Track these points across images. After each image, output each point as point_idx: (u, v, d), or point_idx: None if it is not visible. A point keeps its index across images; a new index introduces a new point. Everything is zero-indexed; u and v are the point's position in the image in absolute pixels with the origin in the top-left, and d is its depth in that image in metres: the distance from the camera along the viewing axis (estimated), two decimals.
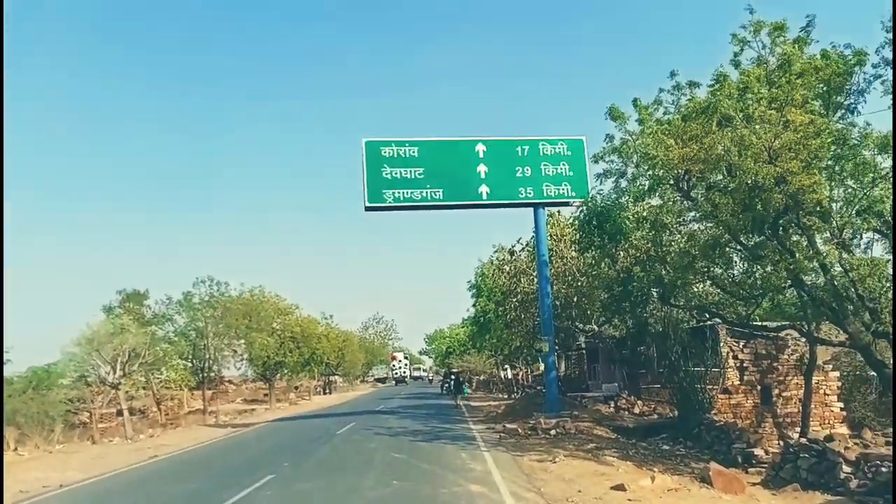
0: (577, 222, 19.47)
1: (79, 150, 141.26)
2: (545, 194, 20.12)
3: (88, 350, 29.14)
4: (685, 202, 14.58)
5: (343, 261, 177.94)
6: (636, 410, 21.16)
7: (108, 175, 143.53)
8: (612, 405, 22.98)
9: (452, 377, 50.31)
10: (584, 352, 30.54)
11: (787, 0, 16.24)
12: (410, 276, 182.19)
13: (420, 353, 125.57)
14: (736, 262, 17.29)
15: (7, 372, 25.31)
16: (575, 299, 23.40)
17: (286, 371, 49.32)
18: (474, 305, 38.73)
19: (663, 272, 18.88)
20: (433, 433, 18.45)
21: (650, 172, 13.86)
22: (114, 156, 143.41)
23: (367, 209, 19.52)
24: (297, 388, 60.66)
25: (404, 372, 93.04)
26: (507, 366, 47.54)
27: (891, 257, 12.48)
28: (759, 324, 20.81)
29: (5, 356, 23.43)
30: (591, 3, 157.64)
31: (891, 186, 11.29)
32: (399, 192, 19.37)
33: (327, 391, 63.90)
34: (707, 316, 20.67)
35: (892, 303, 12.20)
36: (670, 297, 19.43)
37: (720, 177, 13.94)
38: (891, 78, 11.55)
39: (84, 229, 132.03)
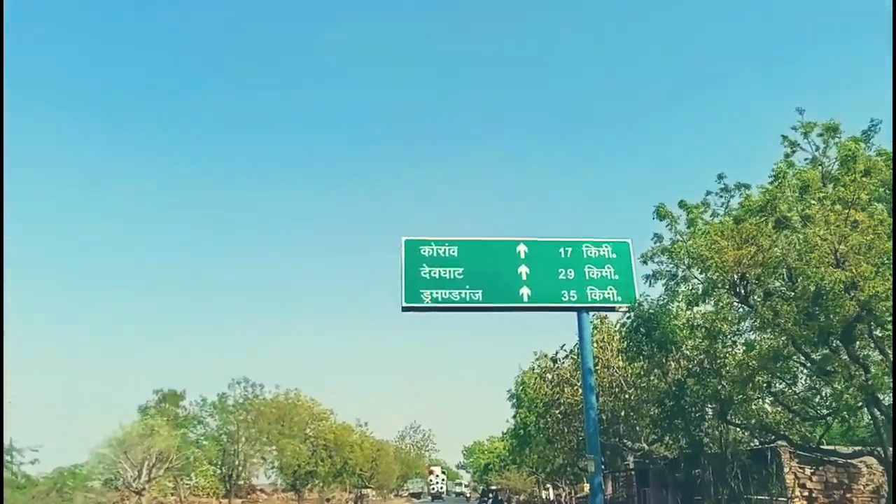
0: (623, 329, 18.48)
1: (123, 248, 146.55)
2: (589, 298, 19.17)
3: (117, 452, 28.44)
4: (742, 308, 13.54)
5: (380, 366, 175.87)
6: None
7: (150, 273, 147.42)
8: None
9: (491, 495, 47.57)
10: (632, 473, 28.26)
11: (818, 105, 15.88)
12: (450, 384, 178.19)
13: (457, 466, 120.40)
14: (801, 377, 15.92)
15: (33, 472, 24.67)
16: (622, 413, 21.86)
17: (317, 481, 47.37)
18: (514, 417, 36.86)
19: (719, 386, 17.54)
20: None
21: (703, 276, 12.98)
22: (157, 255, 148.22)
23: (405, 309, 18.87)
24: (328, 500, 58.12)
25: (441, 487, 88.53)
26: (548, 485, 44.55)
27: None
28: (829, 448, 18.90)
29: (34, 454, 22.90)
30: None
31: None
32: (437, 293, 18.76)
33: None
34: (770, 437, 18.88)
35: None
36: (727, 414, 17.89)
37: (779, 283, 13.02)
38: None
39: (123, 324, 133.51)
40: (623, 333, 18.98)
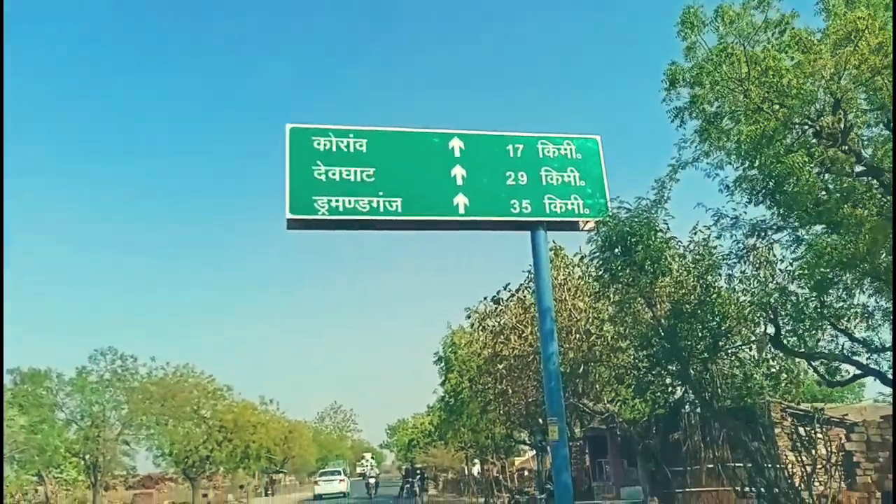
0: (591, 253, 13.58)
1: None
2: (548, 210, 14.20)
3: None
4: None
5: (293, 341, 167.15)
6: None
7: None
8: None
9: (417, 475, 42.25)
10: (582, 442, 23.82)
11: None
12: (371, 357, 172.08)
13: (381, 446, 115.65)
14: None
15: None
16: (581, 368, 17.15)
17: (214, 468, 41.14)
18: (443, 384, 31.88)
19: (714, 322, 13.07)
20: None
21: (771, 101, 8.02)
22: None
23: (291, 225, 13.26)
24: (241, 487, 51.94)
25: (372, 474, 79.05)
26: (475, 460, 40.07)
27: None
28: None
29: None
30: None
31: None
32: (338, 201, 13.20)
33: (270, 492, 54.78)
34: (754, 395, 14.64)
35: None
36: (714, 360, 13.53)
37: None
38: None
39: None
40: (589, 258, 14.10)
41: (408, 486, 40.95)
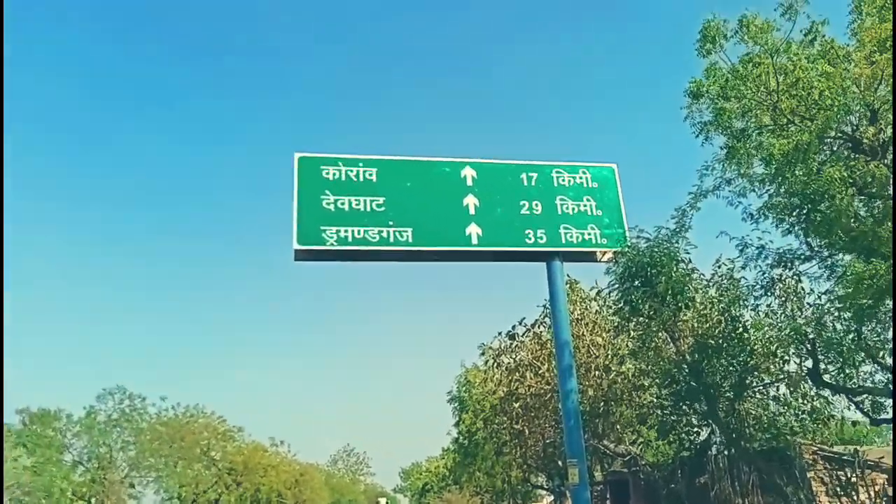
0: (612, 280, 13.04)
1: None
2: (564, 240, 13.71)
3: None
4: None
5: (307, 383, 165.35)
6: None
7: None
8: None
9: None
10: (604, 486, 22.70)
11: None
12: (385, 399, 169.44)
13: (395, 490, 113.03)
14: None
15: None
16: (602, 406, 16.38)
17: None
18: (457, 424, 30.91)
19: (740, 359, 12.41)
20: None
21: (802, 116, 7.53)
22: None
23: (298, 255, 12.91)
24: None
25: None
26: None
27: None
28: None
29: None
30: None
31: None
32: (346, 231, 12.84)
33: None
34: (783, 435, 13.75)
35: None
36: (743, 399, 12.77)
37: None
38: None
39: None
40: (608, 290, 13.55)
41: None
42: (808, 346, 9.93)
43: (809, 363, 10.75)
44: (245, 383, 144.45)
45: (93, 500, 28.98)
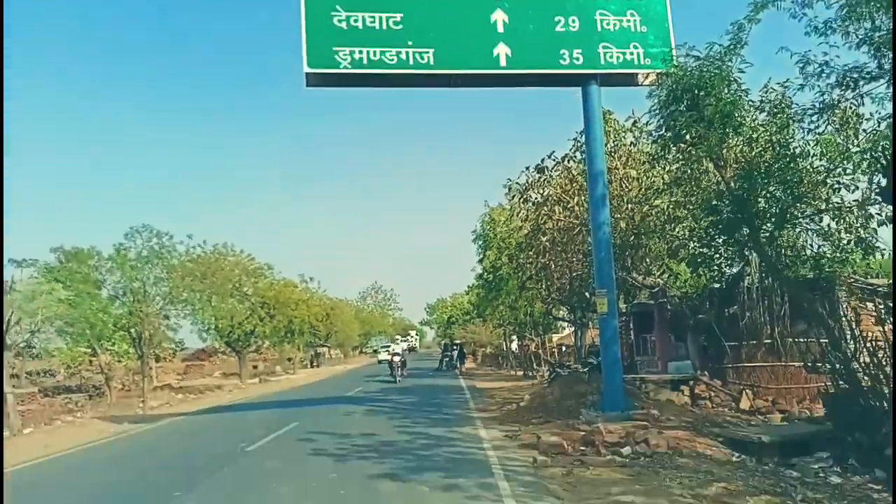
0: (653, 105, 11.87)
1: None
2: (602, 61, 12.51)
3: None
4: None
5: (336, 223, 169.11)
6: (744, 405, 13.71)
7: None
8: (687, 393, 15.64)
9: (455, 348, 43.29)
10: (629, 318, 23.01)
11: None
12: (410, 236, 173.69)
13: (421, 323, 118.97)
14: None
15: None
16: (632, 238, 15.92)
17: (258, 342, 42.35)
18: (481, 261, 31.15)
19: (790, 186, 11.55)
20: (415, 451, 10.99)
21: None
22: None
23: (310, 80, 11.96)
24: (290, 359, 54.12)
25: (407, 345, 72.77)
26: (514, 336, 40.20)
27: None
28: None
29: None
30: None
31: None
32: (361, 53, 11.72)
33: (315, 364, 57.05)
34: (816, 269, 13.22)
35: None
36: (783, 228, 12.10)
37: None
38: None
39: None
40: (650, 115, 12.39)
41: (447, 359, 42.05)
42: (883, 160, 9.03)
43: (881, 181, 9.85)
44: (274, 222, 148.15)
45: (132, 330, 30.31)
